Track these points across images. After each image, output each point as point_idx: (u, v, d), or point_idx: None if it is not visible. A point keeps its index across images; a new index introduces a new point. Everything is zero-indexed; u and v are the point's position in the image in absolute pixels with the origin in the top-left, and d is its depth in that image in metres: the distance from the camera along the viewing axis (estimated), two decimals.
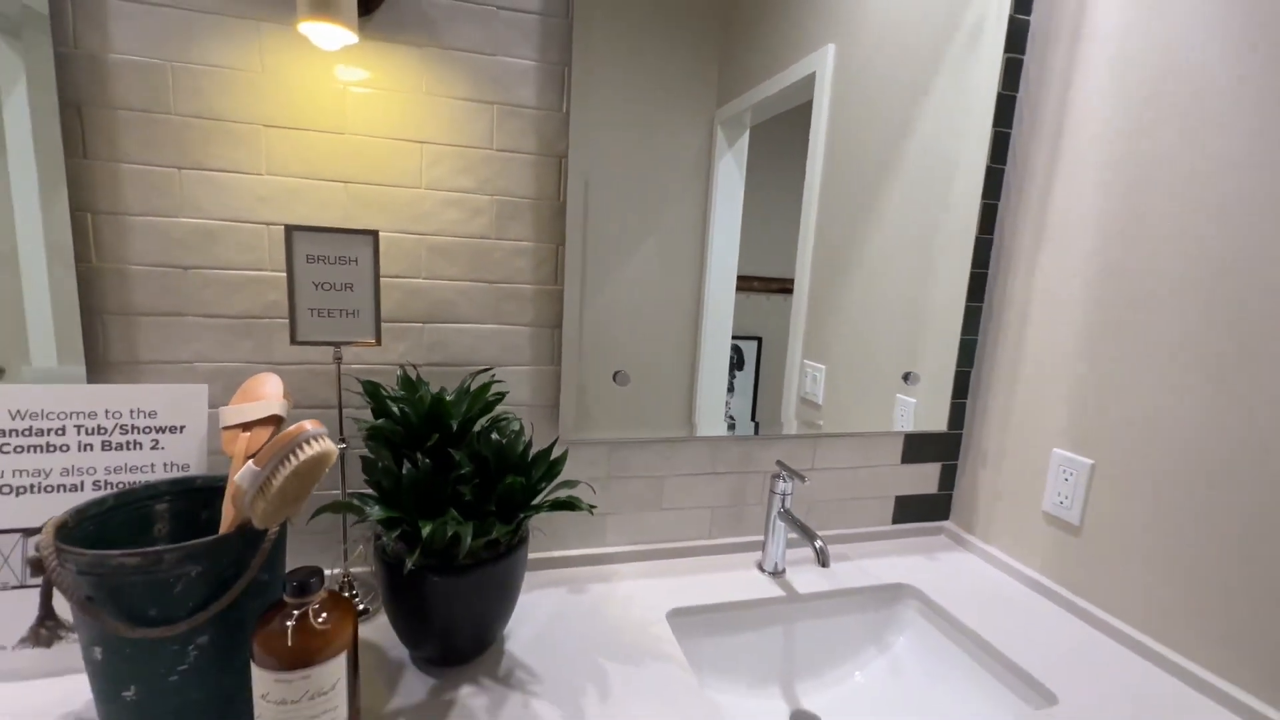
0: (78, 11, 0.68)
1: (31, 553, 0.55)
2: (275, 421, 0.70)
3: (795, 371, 1.05)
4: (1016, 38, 1.02)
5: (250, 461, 0.54)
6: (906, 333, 1.09)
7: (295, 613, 0.54)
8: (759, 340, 1.05)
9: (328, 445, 0.56)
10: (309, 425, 0.55)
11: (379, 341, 0.77)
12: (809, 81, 0.97)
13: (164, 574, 0.53)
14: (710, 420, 1.00)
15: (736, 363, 1.04)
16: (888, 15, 0.98)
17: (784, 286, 1.04)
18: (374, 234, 0.75)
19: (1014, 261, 1.04)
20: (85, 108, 0.70)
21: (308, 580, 0.55)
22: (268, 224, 0.78)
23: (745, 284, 1.00)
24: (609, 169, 0.87)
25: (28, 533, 0.66)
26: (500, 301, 0.87)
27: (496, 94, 0.82)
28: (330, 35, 0.68)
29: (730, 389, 1.03)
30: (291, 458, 0.53)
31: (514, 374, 0.90)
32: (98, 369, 0.75)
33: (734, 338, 1.02)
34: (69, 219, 0.71)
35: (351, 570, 0.86)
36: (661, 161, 0.90)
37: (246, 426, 0.69)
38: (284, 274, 0.79)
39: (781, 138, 0.98)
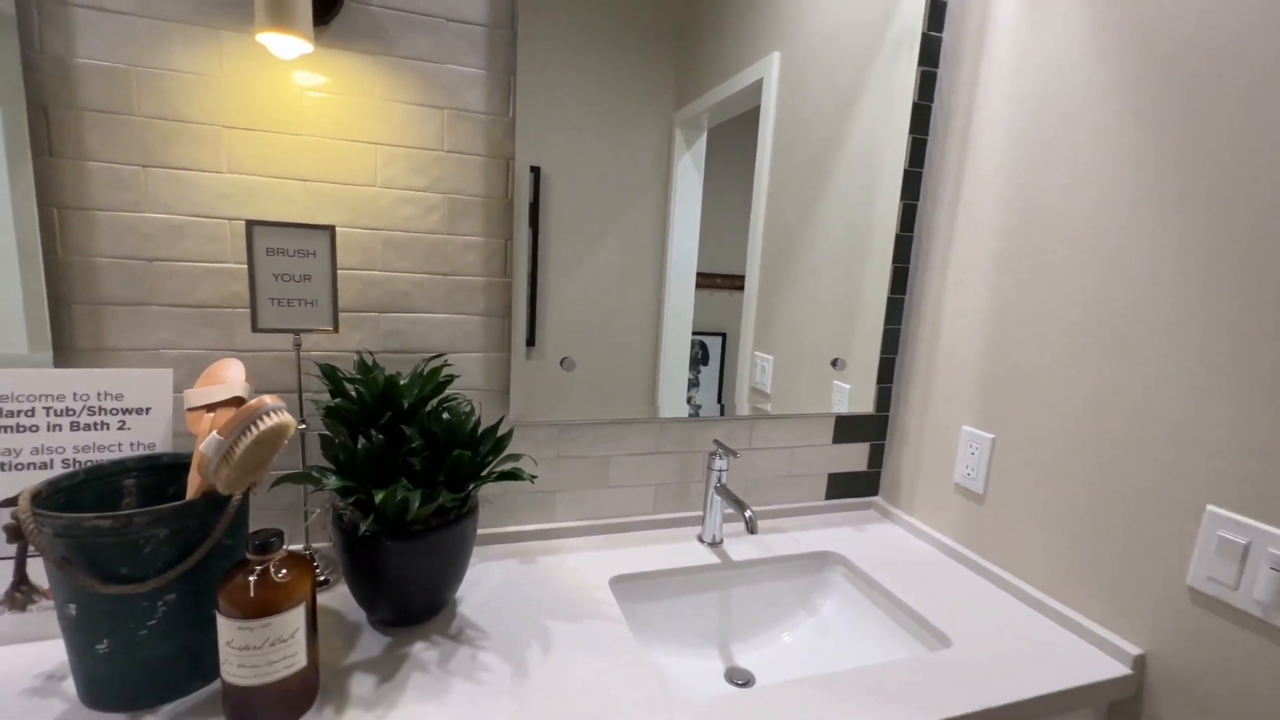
0: (43, 16, 0.73)
1: (8, 520, 0.60)
2: (237, 403, 0.76)
3: (747, 363, 1.13)
4: (931, 52, 1.12)
5: (215, 432, 0.59)
6: (842, 323, 1.18)
7: (258, 568, 0.60)
8: (723, 336, 1.13)
9: (286, 417, 0.62)
10: (269, 399, 0.61)
11: (337, 329, 0.83)
12: (758, 87, 1.05)
13: (134, 535, 0.59)
14: (673, 410, 1.08)
15: (701, 357, 1.12)
16: (824, 26, 1.06)
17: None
18: (330, 229, 0.81)
19: (930, 256, 1.14)
20: (52, 108, 0.74)
21: (269, 540, 0.61)
22: (230, 219, 0.83)
23: (709, 281, 1.08)
24: (567, 168, 0.94)
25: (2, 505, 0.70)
26: (452, 292, 0.94)
27: (446, 99, 0.88)
28: (287, 45, 0.74)
29: (695, 383, 1.11)
30: (253, 427, 0.59)
31: (466, 360, 0.96)
32: (66, 355, 0.79)
33: (699, 333, 1.09)
34: (36, 214, 0.75)
35: (314, 546, 0.92)
36: (621, 161, 0.97)
37: (210, 408, 0.75)
38: (245, 266, 0.84)
39: (738, 140, 1.06)
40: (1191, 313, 0.73)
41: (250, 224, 0.77)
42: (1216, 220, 0.71)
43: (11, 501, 0.61)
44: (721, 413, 1.12)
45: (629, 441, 1.08)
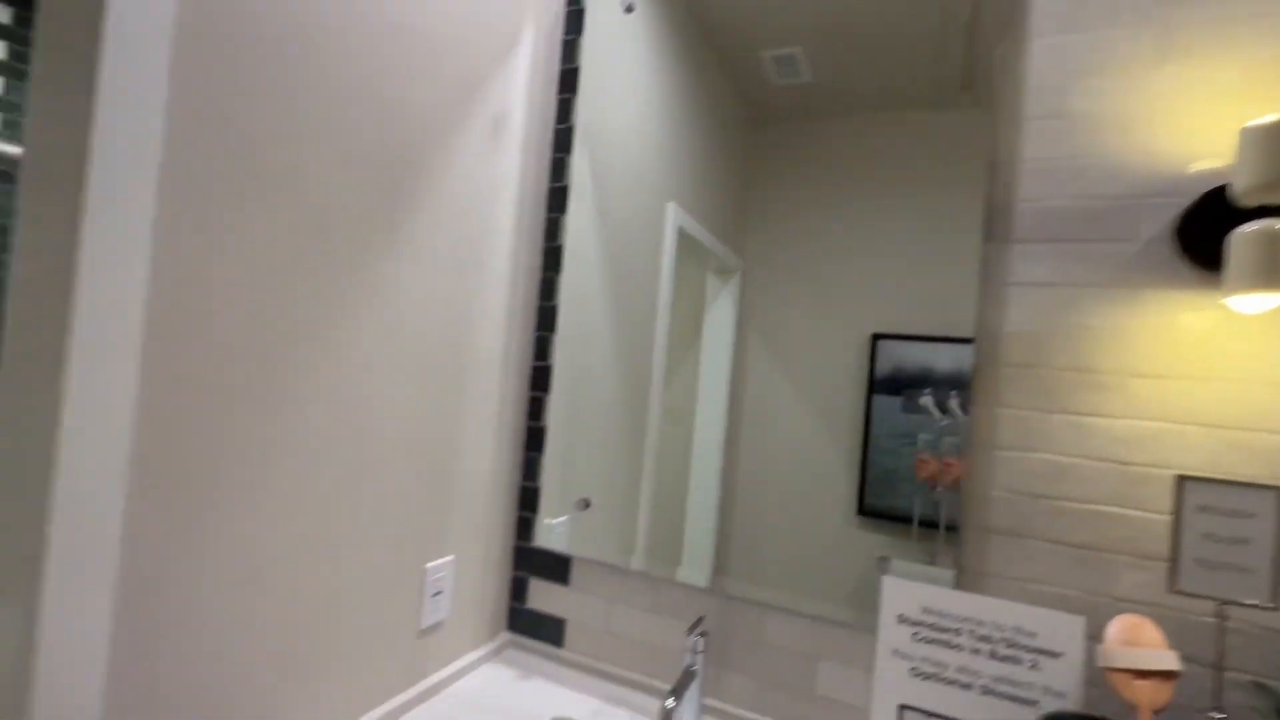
0: (986, 298, 0.90)
1: None
2: (1172, 676, 0.70)
3: None
4: None
5: None
6: None
7: None
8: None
9: None
10: None
11: (1277, 605, 0.70)
12: None
13: None
14: None
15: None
16: None
17: None
18: (1278, 489, 0.71)
19: None
20: (981, 368, 0.90)
21: None
22: (1121, 463, 0.83)
23: None
24: None
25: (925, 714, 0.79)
26: None
27: None
28: (1261, 302, 0.72)
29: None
30: None
31: None
32: (961, 574, 0.89)
33: None
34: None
35: None
36: None
37: (1140, 674, 0.70)
38: (1128, 511, 0.81)
39: None
40: None
41: (1182, 479, 0.74)
42: None
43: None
44: None
45: None
